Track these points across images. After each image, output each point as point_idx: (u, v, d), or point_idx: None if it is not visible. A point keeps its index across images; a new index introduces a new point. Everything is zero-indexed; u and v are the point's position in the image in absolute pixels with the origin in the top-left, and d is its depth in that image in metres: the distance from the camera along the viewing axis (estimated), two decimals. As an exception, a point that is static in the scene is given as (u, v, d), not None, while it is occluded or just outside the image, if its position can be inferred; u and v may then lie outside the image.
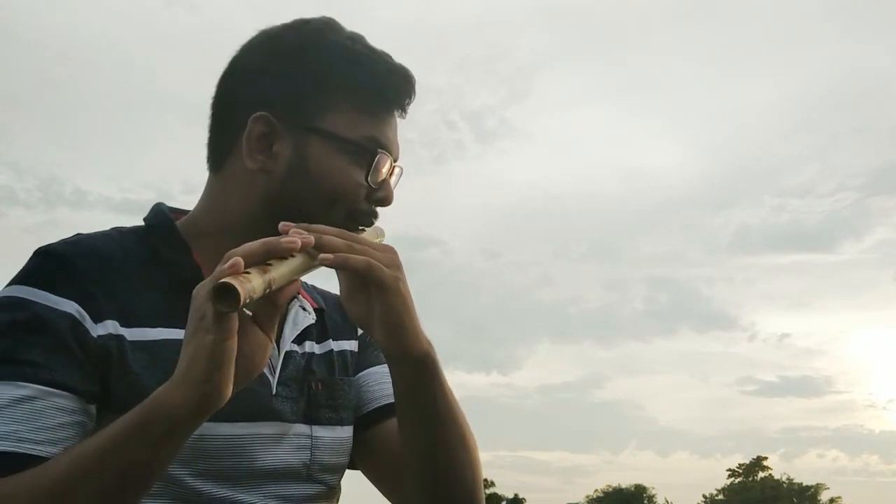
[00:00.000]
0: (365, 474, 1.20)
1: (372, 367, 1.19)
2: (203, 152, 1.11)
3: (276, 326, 0.89)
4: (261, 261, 0.83)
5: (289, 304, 1.11)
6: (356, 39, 1.07)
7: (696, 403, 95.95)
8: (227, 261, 0.80)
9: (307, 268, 0.91)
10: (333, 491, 1.12)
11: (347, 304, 0.99)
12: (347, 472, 1.16)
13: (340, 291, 1.00)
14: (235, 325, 0.81)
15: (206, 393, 0.81)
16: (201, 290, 0.82)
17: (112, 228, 1.07)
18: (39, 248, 0.99)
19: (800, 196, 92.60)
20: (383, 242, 1.02)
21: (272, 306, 0.87)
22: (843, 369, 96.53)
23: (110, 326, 0.95)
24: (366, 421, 1.15)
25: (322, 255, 0.91)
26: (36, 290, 0.94)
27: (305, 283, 1.19)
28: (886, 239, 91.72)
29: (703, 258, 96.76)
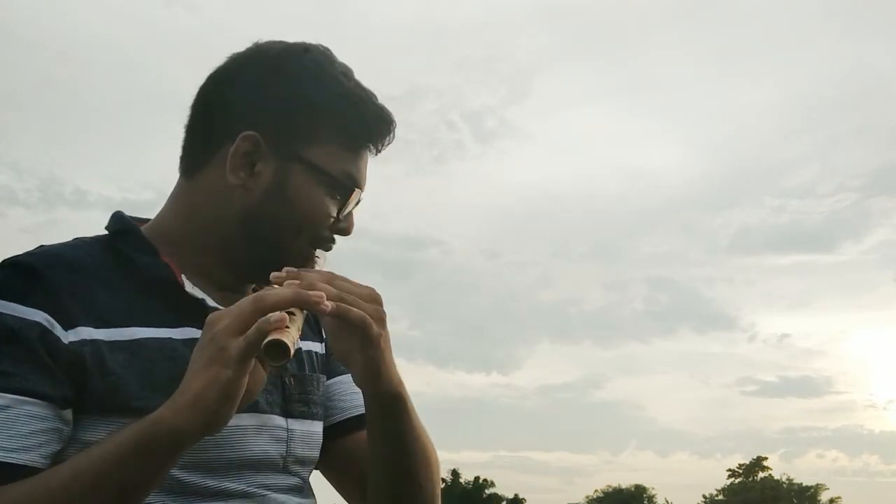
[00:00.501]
0: (327, 478, 1.25)
1: (341, 375, 1.23)
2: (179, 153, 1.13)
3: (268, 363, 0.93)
4: (286, 308, 0.90)
5: None
6: (349, 76, 1.12)
7: (696, 404, 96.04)
8: (259, 305, 0.88)
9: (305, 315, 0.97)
10: (305, 485, 1.16)
11: (331, 343, 1.07)
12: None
13: (324, 329, 1.05)
14: (253, 364, 0.88)
15: (212, 422, 0.86)
16: (218, 322, 0.87)
17: (74, 238, 1.09)
18: (5, 261, 1.01)
19: (800, 197, 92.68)
20: (323, 269, 1.09)
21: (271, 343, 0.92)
22: (843, 370, 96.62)
23: (83, 332, 0.97)
24: (336, 430, 1.21)
25: (322, 307, 0.94)
26: (3, 301, 0.95)
27: None
28: (886, 240, 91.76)
29: (704, 259, 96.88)
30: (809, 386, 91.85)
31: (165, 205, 1.13)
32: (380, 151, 1.15)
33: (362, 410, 1.16)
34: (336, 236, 1.13)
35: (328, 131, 1.09)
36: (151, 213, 1.16)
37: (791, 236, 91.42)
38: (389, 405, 1.05)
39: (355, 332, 0.99)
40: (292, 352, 0.84)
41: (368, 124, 1.11)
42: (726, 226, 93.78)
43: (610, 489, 62.51)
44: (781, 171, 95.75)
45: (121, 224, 1.10)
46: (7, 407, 0.91)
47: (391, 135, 1.14)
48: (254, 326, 0.86)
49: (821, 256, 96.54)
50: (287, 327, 0.86)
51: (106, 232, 1.10)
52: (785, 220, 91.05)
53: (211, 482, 1.02)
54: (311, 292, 0.92)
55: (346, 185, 1.10)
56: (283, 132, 1.08)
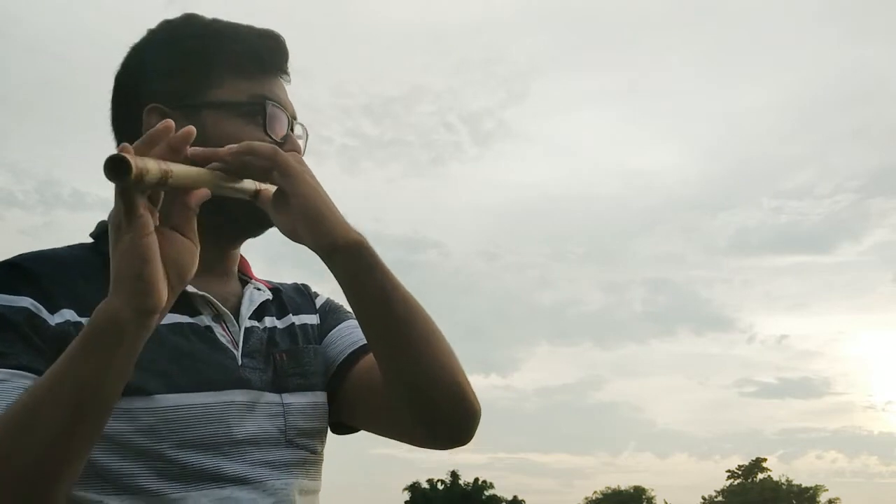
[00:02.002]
0: (366, 427, 1.21)
1: (334, 328, 1.21)
2: None
3: (196, 231, 0.91)
4: (143, 148, 0.83)
5: (243, 287, 1.16)
6: (217, 20, 1.15)
7: (694, 405, 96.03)
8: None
9: (217, 183, 0.92)
10: (317, 457, 1.14)
11: (275, 220, 1.00)
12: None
13: (270, 215, 1.00)
14: (149, 221, 0.83)
15: (140, 291, 0.82)
16: (112, 210, 0.85)
17: (61, 247, 1.11)
18: None
19: (798, 198, 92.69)
20: None
21: (185, 209, 0.90)
22: (842, 371, 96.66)
23: (67, 315, 1.00)
24: (340, 373, 1.17)
25: (227, 149, 0.93)
26: None
27: (261, 278, 1.23)
28: (885, 241, 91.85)
29: (702, 260, 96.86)
30: (808, 387, 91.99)
31: None
32: (285, 72, 1.15)
33: (356, 345, 1.16)
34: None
35: (218, 70, 1.10)
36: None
37: (789, 237, 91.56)
38: (355, 256, 0.99)
39: (280, 186, 0.96)
40: (135, 170, 0.77)
41: (254, 47, 1.12)
42: (725, 227, 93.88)
43: (609, 491, 62.50)
44: (780, 173, 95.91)
45: (103, 228, 1.11)
46: (4, 380, 0.93)
47: (283, 50, 1.14)
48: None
49: (819, 257, 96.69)
50: (141, 159, 0.79)
51: (91, 240, 1.12)
52: (783, 222, 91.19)
53: (209, 462, 1.01)
54: (157, 125, 0.85)
55: (258, 104, 1.10)
56: (181, 90, 1.10)
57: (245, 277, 1.19)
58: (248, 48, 1.12)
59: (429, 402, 1.05)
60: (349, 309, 1.08)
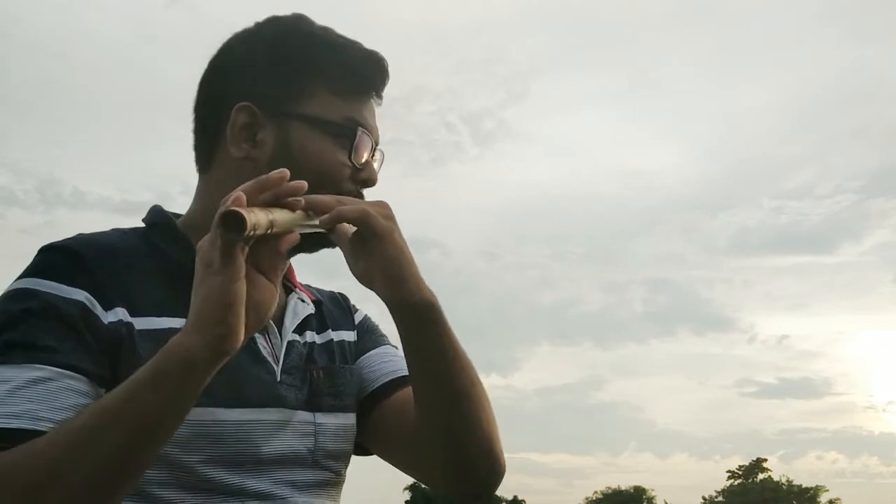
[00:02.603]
0: (382, 456, 1.20)
1: (370, 350, 1.20)
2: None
3: (280, 276, 0.91)
4: (259, 202, 0.85)
5: (287, 296, 1.14)
6: (328, 29, 1.12)
7: (695, 405, 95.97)
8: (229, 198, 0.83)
9: (305, 223, 0.93)
10: (339, 478, 1.13)
11: (350, 263, 1.00)
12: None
13: (345, 257, 1.00)
14: (242, 267, 0.83)
15: (220, 335, 0.83)
16: (205, 241, 0.84)
17: (111, 229, 1.09)
18: (44, 245, 1.01)
19: (798, 198, 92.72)
20: None
21: (275, 255, 0.89)
22: (843, 371, 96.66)
23: (120, 313, 0.98)
24: (372, 400, 1.16)
25: (320, 202, 0.94)
26: (46, 281, 0.96)
27: (302, 283, 1.22)
28: (885, 241, 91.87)
29: (702, 260, 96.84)
30: (809, 387, 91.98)
31: (191, 203, 1.13)
32: (379, 95, 1.13)
33: (394, 375, 1.16)
34: (363, 190, 1.10)
35: (317, 82, 1.08)
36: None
37: (790, 237, 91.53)
38: (423, 315, 0.99)
39: (366, 239, 0.96)
40: (249, 226, 0.79)
41: (357, 67, 1.10)
42: (725, 227, 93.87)
43: (609, 491, 62.43)
44: (780, 173, 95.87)
45: (158, 217, 1.11)
46: (50, 379, 0.91)
47: (384, 74, 1.12)
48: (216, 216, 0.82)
49: (820, 258, 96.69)
50: (252, 209, 0.82)
51: (143, 224, 1.10)
52: (784, 222, 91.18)
53: (234, 479, 1.00)
54: (272, 173, 0.87)
55: (350, 128, 1.07)
56: (275, 94, 1.07)
57: (289, 284, 1.17)
58: (351, 67, 1.09)
59: (462, 459, 1.07)
60: (383, 332, 1.09)
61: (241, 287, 0.83)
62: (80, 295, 0.96)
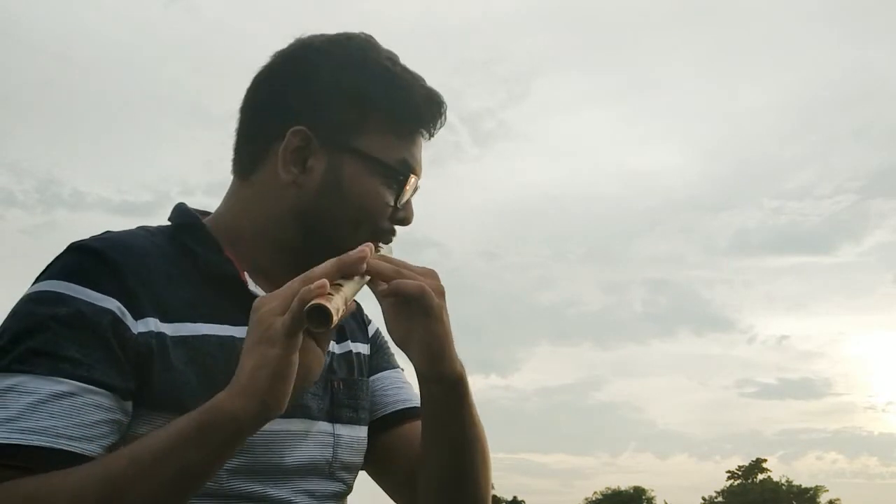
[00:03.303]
0: (373, 476, 1.22)
1: (384, 371, 1.21)
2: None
3: (329, 342, 0.93)
4: (334, 279, 0.87)
5: None
6: (395, 61, 1.10)
7: (695, 406, 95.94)
8: (304, 279, 0.85)
9: (360, 288, 0.95)
10: (349, 490, 1.14)
11: (390, 326, 1.01)
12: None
13: (384, 313, 1.01)
14: (300, 340, 0.84)
15: (269, 404, 0.84)
16: (266, 304, 0.85)
17: (138, 227, 1.07)
18: (74, 244, 0.99)
19: (798, 198, 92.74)
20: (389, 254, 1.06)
21: None
22: (842, 371, 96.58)
23: (151, 324, 0.95)
24: (381, 425, 1.18)
25: (381, 281, 0.96)
26: (75, 285, 0.93)
27: None
28: (885, 241, 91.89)
29: (702, 260, 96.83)
30: (808, 388, 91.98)
31: (221, 204, 1.12)
32: (432, 135, 1.13)
33: (406, 405, 1.18)
34: (397, 227, 1.11)
35: (378, 119, 1.06)
36: (152, 216, 1.15)
37: (790, 238, 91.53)
38: (453, 389, 1.01)
39: (414, 310, 0.97)
40: (335, 318, 0.81)
41: (418, 109, 1.09)
42: (725, 227, 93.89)
43: (609, 491, 62.42)
44: (780, 173, 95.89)
45: (185, 217, 1.09)
46: (72, 394, 0.89)
47: (442, 117, 1.12)
48: (296, 298, 0.83)
49: (819, 258, 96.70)
50: (330, 294, 0.83)
51: (169, 223, 1.09)
52: (783, 222, 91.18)
53: (256, 487, 1.00)
54: (352, 253, 0.90)
55: (402, 172, 1.07)
56: (333, 124, 1.05)
57: None
58: (414, 108, 1.08)
59: None
60: (392, 351, 1.12)
61: (296, 359, 0.84)
62: (111, 304, 0.93)
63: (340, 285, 0.88)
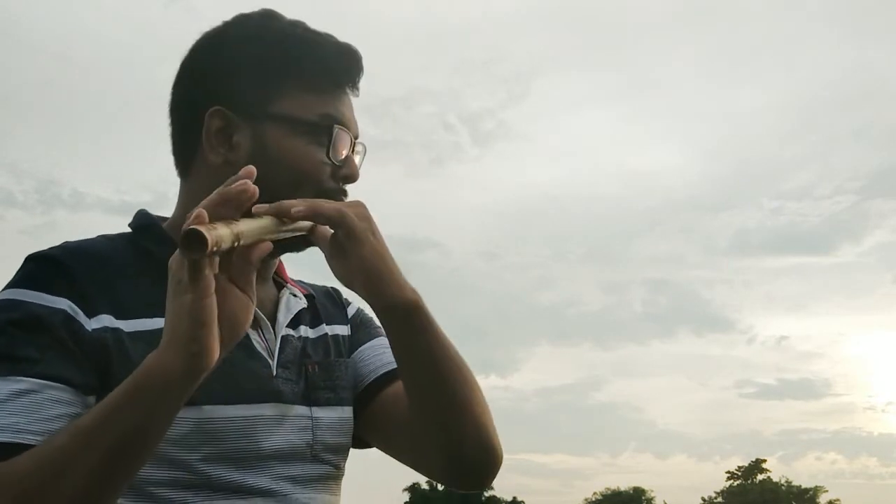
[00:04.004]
0: (382, 448, 1.21)
1: (365, 343, 1.21)
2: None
3: (254, 285, 0.89)
4: (222, 213, 0.83)
5: (279, 292, 1.15)
6: (298, 24, 1.10)
7: (694, 406, 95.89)
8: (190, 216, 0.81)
9: (277, 230, 0.92)
10: (338, 472, 1.13)
11: (331, 265, 1.00)
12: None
13: (325, 257, 1.00)
14: (212, 283, 0.82)
15: (194, 352, 0.82)
16: (174, 258, 0.83)
17: (98, 236, 1.09)
18: (30, 255, 1.01)
19: (798, 199, 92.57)
20: None
21: (246, 264, 0.87)
22: (842, 372, 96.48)
23: (105, 320, 0.97)
24: (368, 393, 1.17)
25: (294, 210, 0.92)
26: (28, 290, 0.96)
27: (294, 280, 1.22)
28: (885, 242, 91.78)
29: (702, 261, 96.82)
30: (808, 388, 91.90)
31: (174, 208, 1.13)
32: (355, 87, 1.11)
33: (388, 368, 1.17)
34: (346, 187, 1.09)
35: (288, 81, 1.06)
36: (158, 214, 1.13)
37: (789, 238, 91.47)
38: (407, 315, 1.00)
39: (342, 239, 0.96)
40: (211, 244, 0.77)
41: (329, 63, 1.08)
42: (725, 227, 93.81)
43: (609, 491, 62.35)
44: (780, 173, 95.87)
45: (143, 220, 1.10)
46: (33, 391, 0.91)
47: (358, 66, 1.11)
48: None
49: (819, 258, 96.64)
50: (214, 226, 0.80)
51: (129, 230, 1.10)
52: (783, 222, 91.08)
53: (234, 476, 1.00)
54: (234, 184, 0.84)
55: (326, 125, 1.06)
56: (246, 97, 1.06)
57: (280, 280, 1.18)
58: (323, 62, 1.07)
59: (456, 447, 1.08)
60: (378, 323, 1.09)
61: (212, 303, 0.82)
62: (63, 303, 0.96)
63: (236, 220, 0.84)
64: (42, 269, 0.99)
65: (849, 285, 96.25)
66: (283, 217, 0.92)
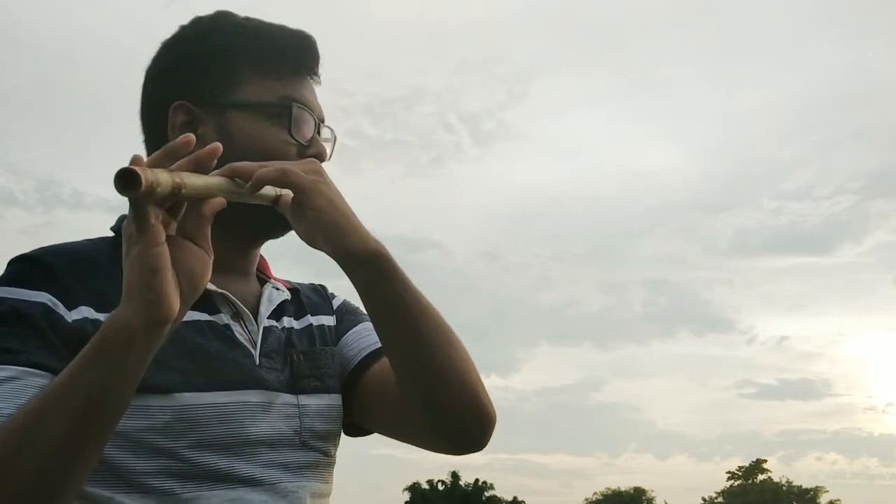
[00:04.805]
0: (379, 430, 1.21)
1: (350, 329, 1.21)
2: None
3: (209, 240, 0.90)
4: (164, 165, 0.83)
5: (262, 286, 1.16)
6: (252, 18, 1.14)
7: (694, 406, 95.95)
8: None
9: (227, 189, 0.91)
10: (329, 459, 1.13)
11: (296, 230, 0.99)
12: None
13: (291, 223, 0.99)
14: (160, 231, 0.82)
15: (151, 301, 0.82)
16: (126, 220, 0.84)
17: (81, 239, 1.11)
18: (13, 257, 1.04)
19: (798, 199, 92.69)
20: None
21: (198, 218, 0.88)
22: (842, 372, 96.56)
23: (85, 311, 0.99)
24: (354, 376, 1.17)
25: (237, 167, 0.92)
26: (11, 288, 0.99)
27: (282, 278, 1.23)
28: (885, 242, 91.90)
29: (702, 261, 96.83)
30: (808, 388, 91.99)
31: None
32: (315, 74, 1.14)
33: (371, 349, 1.17)
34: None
35: (246, 69, 1.10)
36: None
37: (789, 238, 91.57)
38: (372, 266, 0.98)
39: (296, 197, 0.95)
40: (145, 182, 0.76)
41: (283, 47, 1.11)
42: (725, 228, 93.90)
43: (609, 492, 62.40)
44: (780, 174, 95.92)
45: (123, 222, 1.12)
46: (15, 378, 0.93)
47: (313, 51, 1.13)
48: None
49: (819, 259, 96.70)
50: (154, 170, 0.79)
51: (112, 234, 1.11)
52: (783, 223, 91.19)
53: (223, 463, 1.01)
54: (178, 139, 0.84)
55: (284, 105, 1.09)
56: (206, 89, 1.09)
57: (264, 277, 1.19)
58: (276, 47, 1.11)
59: (444, 408, 1.06)
60: (364, 310, 1.08)
61: (163, 251, 0.82)
62: (43, 297, 0.98)
63: (181, 171, 0.83)
64: (23, 267, 1.01)
65: (849, 285, 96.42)
66: (233, 177, 0.92)
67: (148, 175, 0.77)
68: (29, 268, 1.01)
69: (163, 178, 0.79)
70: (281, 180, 0.94)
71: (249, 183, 0.92)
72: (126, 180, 0.76)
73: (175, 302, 0.84)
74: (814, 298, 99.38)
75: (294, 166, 0.96)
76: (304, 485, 1.07)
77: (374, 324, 1.05)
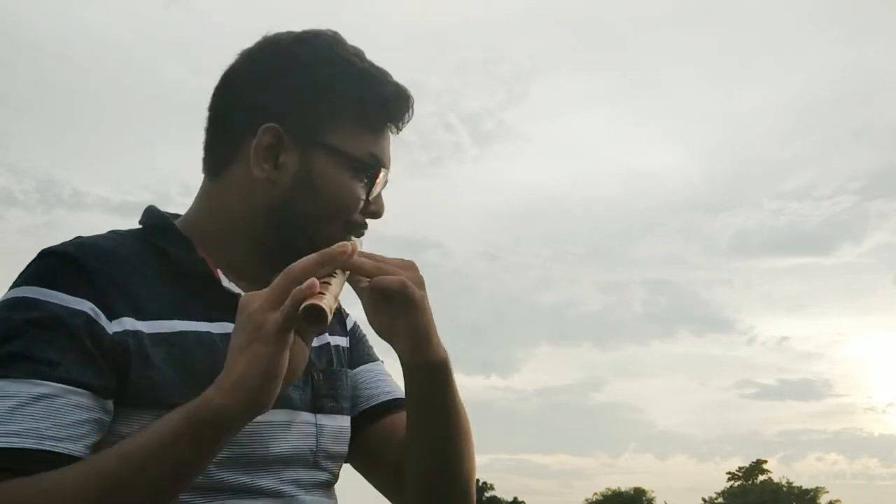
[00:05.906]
0: (359, 469, 1.23)
1: (365, 364, 1.23)
2: (201, 156, 1.12)
3: (314, 337, 0.94)
4: (317, 274, 0.88)
5: None
6: (361, 57, 1.11)
7: (695, 406, 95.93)
8: (290, 276, 0.86)
9: (343, 285, 0.96)
10: (335, 479, 1.15)
11: (372, 318, 1.03)
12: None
13: (364, 306, 1.03)
14: (292, 338, 0.86)
15: (258, 400, 0.85)
16: (255, 301, 0.86)
17: (110, 231, 1.08)
18: (45, 250, 1.00)
19: (798, 199, 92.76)
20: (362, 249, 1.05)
21: None
22: (843, 373, 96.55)
23: (127, 323, 0.96)
24: (365, 418, 1.19)
25: (363, 270, 0.97)
26: (48, 290, 0.94)
27: None
28: (885, 242, 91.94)
29: (702, 261, 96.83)
30: (809, 389, 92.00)
31: (193, 204, 1.13)
32: (400, 129, 1.15)
33: (389, 397, 1.20)
34: (368, 220, 1.12)
35: (347, 114, 1.08)
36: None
37: (790, 239, 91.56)
38: (438, 374, 1.03)
39: (396, 302, 0.98)
40: (329, 316, 0.83)
41: (387, 103, 1.11)
42: (725, 228, 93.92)
43: (609, 492, 62.35)
44: (780, 174, 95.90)
45: (155, 218, 1.10)
46: (53, 396, 0.90)
47: (410, 111, 1.14)
48: (289, 297, 0.84)
49: (819, 259, 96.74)
50: (321, 293, 0.85)
51: (140, 226, 1.09)
52: (783, 223, 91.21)
53: (243, 479, 1.01)
54: (334, 248, 0.90)
55: (371, 166, 1.09)
56: (303, 120, 1.07)
57: None
58: (381, 102, 1.10)
59: (439, 493, 1.12)
60: (370, 344, 1.14)
61: (286, 357, 0.86)
62: (85, 305, 0.94)
63: (329, 283, 0.89)
64: (61, 267, 0.97)
65: (849, 286, 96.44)
66: (353, 275, 0.97)
67: (329, 308, 0.84)
68: (68, 269, 0.96)
69: (331, 302, 0.85)
70: (397, 293, 0.98)
71: (369, 284, 0.98)
72: (313, 316, 0.82)
73: (275, 398, 0.87)
74: (814, 298, 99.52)
75: (407, 277, 0.98)
76: (319, 500, 1.09)
77: (411, 419, 1.09)
